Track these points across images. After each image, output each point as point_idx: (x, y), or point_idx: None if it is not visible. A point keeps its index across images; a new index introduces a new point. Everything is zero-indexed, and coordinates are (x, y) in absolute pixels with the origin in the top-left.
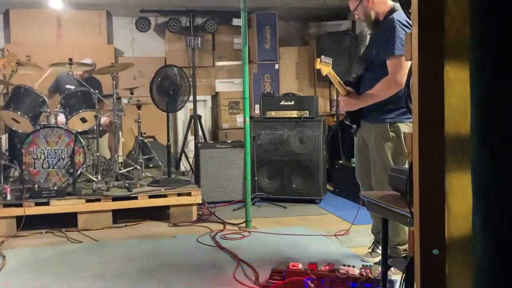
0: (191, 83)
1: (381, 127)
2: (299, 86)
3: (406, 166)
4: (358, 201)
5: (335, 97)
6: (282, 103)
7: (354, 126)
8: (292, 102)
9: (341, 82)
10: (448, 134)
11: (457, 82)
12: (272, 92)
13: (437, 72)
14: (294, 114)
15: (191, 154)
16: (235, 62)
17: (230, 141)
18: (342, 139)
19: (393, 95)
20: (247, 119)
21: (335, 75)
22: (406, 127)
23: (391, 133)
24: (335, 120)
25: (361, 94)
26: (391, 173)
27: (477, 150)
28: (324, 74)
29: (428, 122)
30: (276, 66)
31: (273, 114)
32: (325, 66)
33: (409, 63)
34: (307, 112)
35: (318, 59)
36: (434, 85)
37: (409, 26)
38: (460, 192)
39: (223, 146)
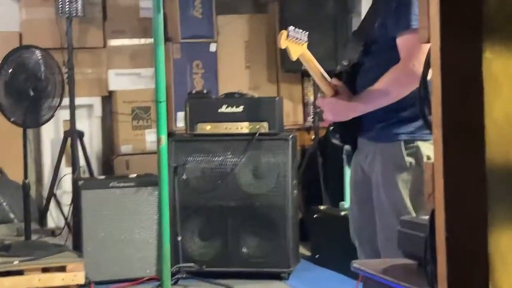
0: (65, 76)
1: (392, 149)
2: (252, 81)
3: (426, 216)
4: (352, 274)
5: (312, 98)
6: (223, 109)
7: (347, 147)
8: (240, 108)
9: (324, 73)
10: (491, 164)
11: (505, 78)
12: (206, 91)
13: (471, 62)
14: (243, 128)
15: (66, 199)
16: (142, 41)
17: (134, 175)
18: (324, 169)
19: (409, 95)
20: (163, 137)
21: (313, 60)
22: (432, 148)
23: (408, 159)
24: (313, 137)
25: (358, 93)
26: (401, 228)
27: None
28: (294, 58)
29: (458, 145)
30: (213, 47)
31: (207, 128)
32: (295, 45)
33: (427, 46)
34: (266, 124)
35: (284, 33)
36: (467, 83)
37: None
38: None
39: (122, 185)
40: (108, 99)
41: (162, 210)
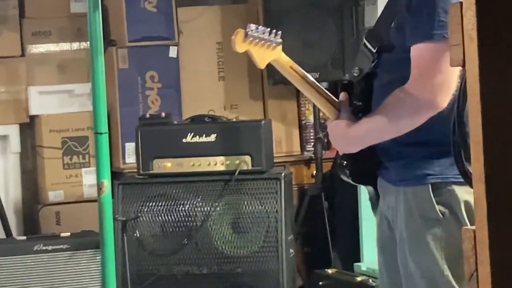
0: None
1: (418, 196)
2: (229, 98)
3: None
4: None
5: (311, 118)
6: (189, 139)
7: (370, 188)
8: (212, 137)
9: (317, 87)
10: None
11: None
12: (164, 114)
13: None
14: (217, 164)
15: None
16: (74, 46)
17: (67, 234)
18: (332, 217)
19: (438, 121)
20: (106, 181)
21: (296, 68)
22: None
23: (439, 208)
24: (315, 173)
25: (357, 121)
26: None
27: None
28: (261, 66)
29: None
30: (173, 52)
31: (168, 166)
32: (261, 48)
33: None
34: (248, 158)
35: (240, 32)
36: None
37: None
38: None
39: (50, 248)
40: (29, 127)
41: (106, 283)
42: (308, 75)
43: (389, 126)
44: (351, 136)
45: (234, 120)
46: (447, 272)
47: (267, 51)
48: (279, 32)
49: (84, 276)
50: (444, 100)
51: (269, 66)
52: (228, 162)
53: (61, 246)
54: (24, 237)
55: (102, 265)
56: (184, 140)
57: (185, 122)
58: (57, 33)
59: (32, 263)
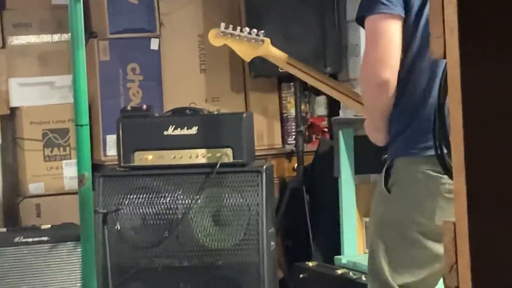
0: None
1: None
2: (210, 90)
3: None
4: None
5: (293, 111)
6: (170, 132)
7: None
8: (194, 130)
9: (325, 78)
10: None
11: None
12: (145, 106)
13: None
14: (198, 157)
15: None
16: (55, 38)
17: (47, 226)
18: (313, 210)
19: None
20: (87, 174)
21: (289, 61)
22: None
23: (388, 184)
24: (296, 165)
25: None
26: None
27: None
28: (246, 59)
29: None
30: (154, 44)
31: (149, 158)
32: (237, 43)
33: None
34: (229, 151)
35: (214, 29)
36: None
37: None
38: None
39: (31, 240)
40: (9, 119)
41: (86, 275)
42: (304, 67)
43: (366, 107)
44: (367, 126)
45: (216, 112)
46: (384, 268)
47: (251, 45)
48: (262, 31)
49: (65, 269)
50: (383, 72)
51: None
52: (209, 154)
53: (42, 238)
54: (4, 229)
55: (82, 258)
56: (165, 133)
57: (166, 114)
58: (38, 24)
59: (12, 255)
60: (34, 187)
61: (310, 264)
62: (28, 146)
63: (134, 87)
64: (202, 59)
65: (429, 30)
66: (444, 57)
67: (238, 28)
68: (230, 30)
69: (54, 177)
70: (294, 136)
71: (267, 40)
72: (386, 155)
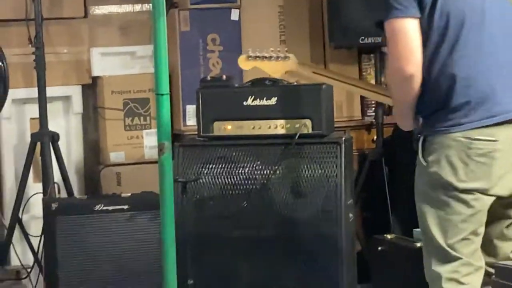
0: (32, 58)
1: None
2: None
3: None
4: None
5: (373, 83)
6: (250, 102)
7: None
8: (273, 101)
9: (347, 79)
10: None
11: None
12: (225, 77)
13: None
14: (278, 128)
15: (35, 228)
16: (137, 8)
17: (127, 194)
18: (392, 182)
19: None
20: (167, 143)
21: (315, 71)
22: (451, 140)
23: (423, 159)
24: (375, 138)
25: None
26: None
27: None
28: (275, 76)
29: None
30: (235, 15)
31: (228, 128)
32: (265, 63)
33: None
34: (309, 122)
35: (242, 56)
36: None
37: None
38: None
39: (111, 208)
40: (91, 88)
41: (165, 244)
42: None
43: (394, 99)
44: (395, 115)
45: (295, 83)
46: (432, 230)
47: (278, 63)
48: (286, 49)
49: (144, 237)
50: (408, 68)
51: (331, 28)
52: (288, 125)
53: (122, 207)
54: (85, 197)
55: (161, 226)
56: (244, 103)
57: (246, 85)
58: None
59: (93, 223)
60: (115, 156)
61: (389, 236)
62: (109, 115)
63: (214, 58)
64: (282, 30)
65: (443, 21)
66: None
67: (264, 50)
68: (256, 53)
69: (134, 146)
70: (373, 108)
71: (292, 55)
72: (418, 134)
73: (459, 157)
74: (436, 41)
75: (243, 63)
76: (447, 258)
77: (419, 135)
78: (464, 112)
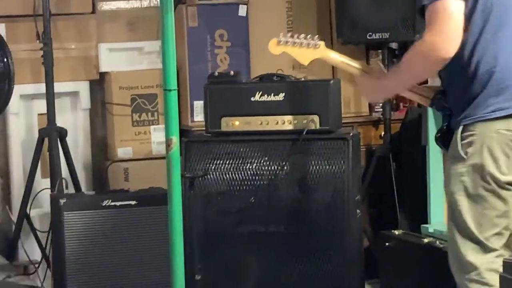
0: (40, 54)
1: (453, 139)
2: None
3: None
4: None
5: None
6: (257, 98)
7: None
8: (281, 96)
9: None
10: None
11: None
12: (233, 72)
13: None
14: (285, 123)
15: (43, 223)
16: (145, 3)
17: (135, 190)
18: (400, 178)
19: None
20: (175, 138)
21: (344, 60)
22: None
23: (462, 151)
24: (383, 134)
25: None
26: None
27: None
28: (304, 63)
29: None
30: (242, 11)
31: (236, 124)
32: (296, 49)
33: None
34: (316, 118)
35: (273, 39)
36: None
37: None
38: None
39: (119, 204)
40: (98, 84)
41: (173, 239)
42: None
43: (406, 73)
44: (379, 81)
45: (303, 79)
46: (470, 224)
47: (308, 51)
48: (316, 36)
49: (152, 232)
50: (448, 46)
51: (338, 24)
52: (296, 121)
53: (129, 202)
54: (93, 193)
55: (169, 222)
56: (252, 99)
57: (253, 80)
58: None
59: (101, 218)
60: (122, 152)
61: (396, 232)
62: (116, 111)
63: (221, 53)
64: (290, 26)
65: (488, 6)
66: None
67: (296, 35)
68: (287, 38)
69: (142, 142)
70: (381, 104)
71: (322, 43)
72: (446, 124)
73: (502, 149)
74: (480, 26)
75: (273, 47)
76: (485, 249)
77: (458, 125)
78: (504, 97)
